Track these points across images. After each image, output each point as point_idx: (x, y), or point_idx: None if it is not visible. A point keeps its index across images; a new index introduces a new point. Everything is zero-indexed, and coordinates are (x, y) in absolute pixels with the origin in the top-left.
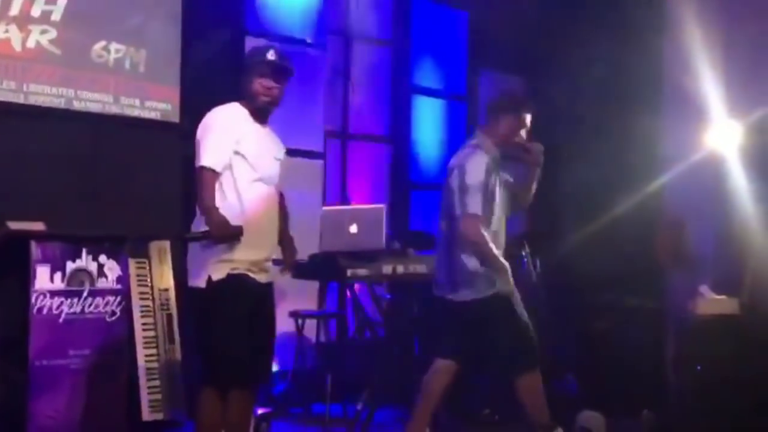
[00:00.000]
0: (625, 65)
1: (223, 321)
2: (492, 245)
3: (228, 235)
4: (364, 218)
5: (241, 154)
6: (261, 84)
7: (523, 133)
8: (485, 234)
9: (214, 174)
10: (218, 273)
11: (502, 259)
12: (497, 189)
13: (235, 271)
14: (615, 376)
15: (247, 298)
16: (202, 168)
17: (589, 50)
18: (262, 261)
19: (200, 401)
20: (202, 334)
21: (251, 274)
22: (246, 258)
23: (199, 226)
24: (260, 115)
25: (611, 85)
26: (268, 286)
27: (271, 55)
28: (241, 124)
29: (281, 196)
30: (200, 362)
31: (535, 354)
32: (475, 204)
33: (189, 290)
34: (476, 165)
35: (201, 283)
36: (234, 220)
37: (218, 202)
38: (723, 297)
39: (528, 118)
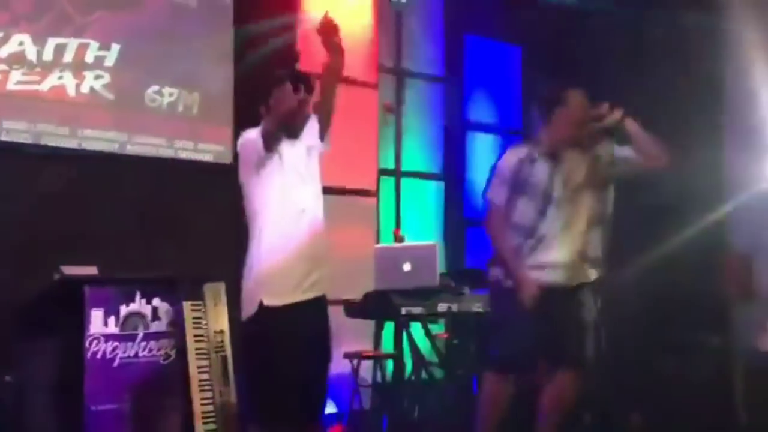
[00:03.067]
0: (685, 95)
1: (269, 350)
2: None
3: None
4: (417, 256)
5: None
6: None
7: None
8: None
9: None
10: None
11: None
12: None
13: (273, 301)
14: (681, 416)
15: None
16: None
17: (648, 82)
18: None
19: None
20: (247, 366)
21: (289, 298)
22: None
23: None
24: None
25: (671, 116)
26: (315, 303)
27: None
28: None
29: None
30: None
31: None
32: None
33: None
34: None
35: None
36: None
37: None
38: None
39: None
